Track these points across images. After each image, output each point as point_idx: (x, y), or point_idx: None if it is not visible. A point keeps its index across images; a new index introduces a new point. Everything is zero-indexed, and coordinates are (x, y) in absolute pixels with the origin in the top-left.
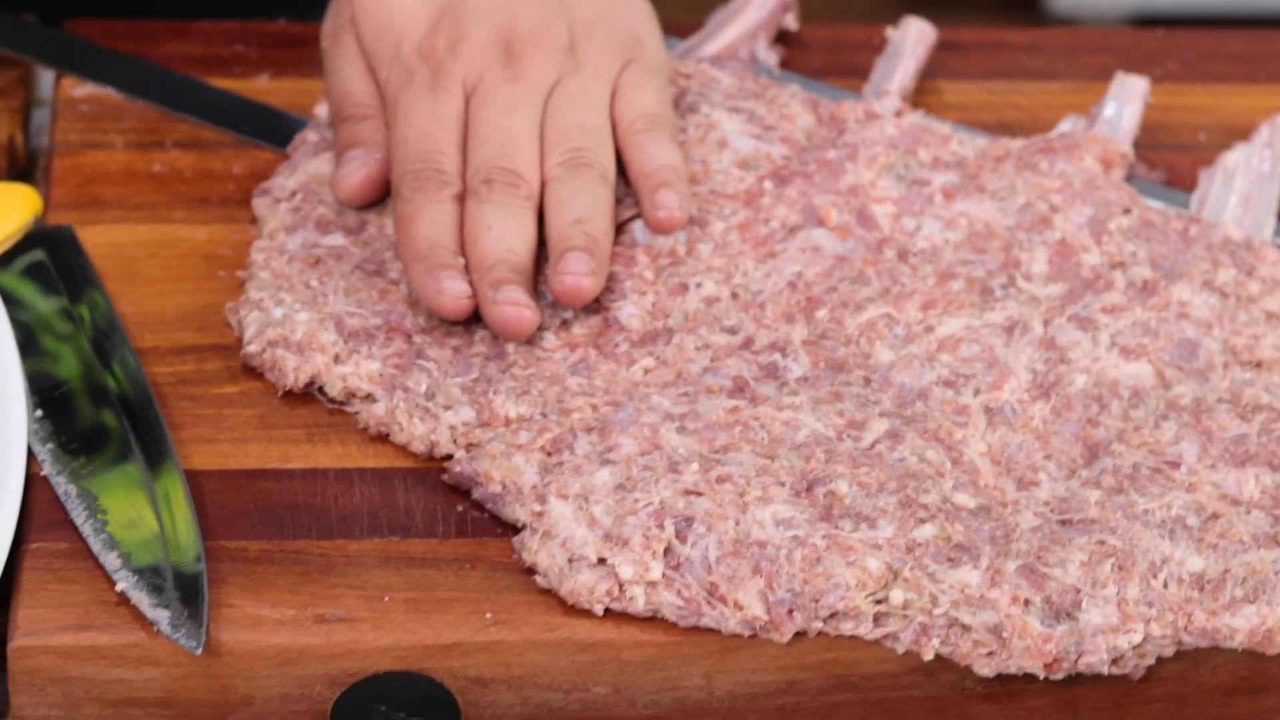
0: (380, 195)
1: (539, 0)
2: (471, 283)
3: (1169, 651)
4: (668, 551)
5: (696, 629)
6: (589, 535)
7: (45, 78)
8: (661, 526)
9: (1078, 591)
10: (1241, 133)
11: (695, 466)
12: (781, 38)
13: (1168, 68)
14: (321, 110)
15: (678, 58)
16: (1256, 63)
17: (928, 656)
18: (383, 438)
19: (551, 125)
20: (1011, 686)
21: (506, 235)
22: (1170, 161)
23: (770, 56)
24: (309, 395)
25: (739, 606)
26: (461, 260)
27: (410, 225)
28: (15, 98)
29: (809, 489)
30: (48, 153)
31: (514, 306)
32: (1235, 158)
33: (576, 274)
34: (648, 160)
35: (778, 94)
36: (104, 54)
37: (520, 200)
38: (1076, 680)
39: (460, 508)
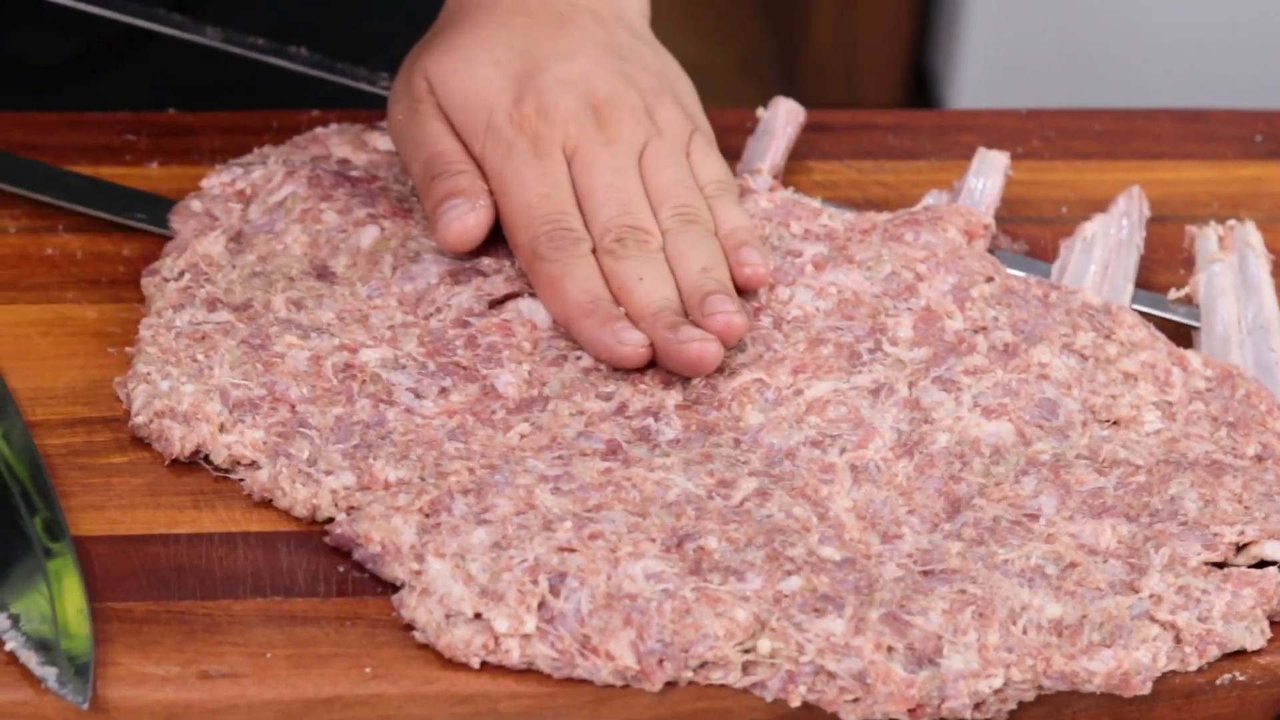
0: (480, 242)
1: (609, 70)
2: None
3: (1030, 696)
4: (542, 605)
5: (571, 680)
6: (465, 591)
7: None
8: (536, 581)
9: (939, 638)
10: (1102, 206)
11: (569, 524)
12: None
13: (1030, 145)
14: (208, 182)
15: None
16: (1117, 140)
17: (795, 704)
18: (266, 503)
19: (653, 183)
20: None
21: (659, 284)
22: (1032, 234)
23: None
24: (195, 464)
25: (611, 657)
26: (623, 310)
27: (564, 282)
28: None
29: (679, 545)
30: None
31: (700, 342)
32: (1094, 227)
33: (727, 312)
34: (724, 223)
35: None
36: None
37: (655, 253)
38: None
39: (341, 568)
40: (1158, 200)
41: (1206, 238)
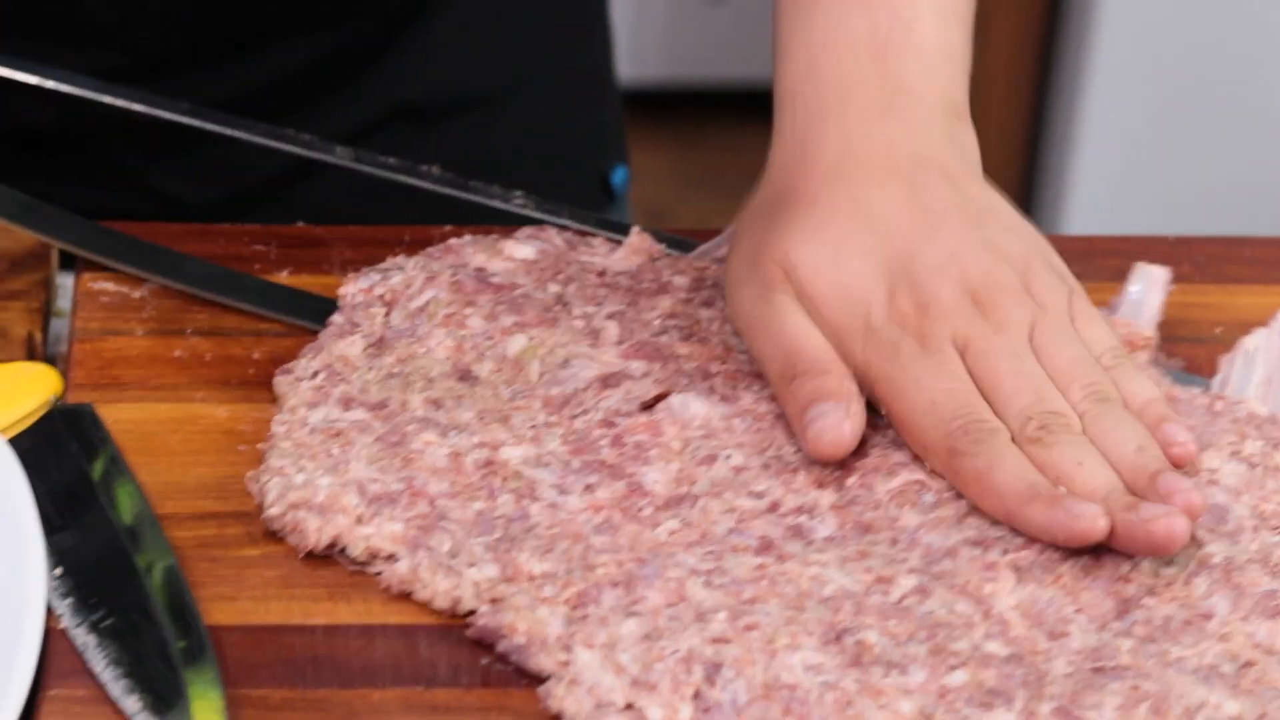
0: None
1: (976, 246)
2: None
3: None
4: (697, 696)
5: None
6: (616, 681)
7: (65, 289)
8: (690, 671)
9: None
10: (1259, 327)
11: (723, 616)
12: None
13: (1181, 270)
14: (346, 289)
15: (694, 258)
16: (1271, 266)
17: None
18: (405, 596)
19: (1052, 364)
20: None
21: (1099, 467)
22: (1188, 353)
23: None
24: (330, 558)
25: None
26: (1064, 490)
27: (995, 473)
28: (35, 299)
29: (838, 638)
30: (67, 342)
31: (1167, 518)
32: (1255, 341)
33: (1184, 490)
34: (1133, 396)
35: None
36: (133, 243)
37: (1082, 436)
38: None
39: (484, 660)
40: None
41: None
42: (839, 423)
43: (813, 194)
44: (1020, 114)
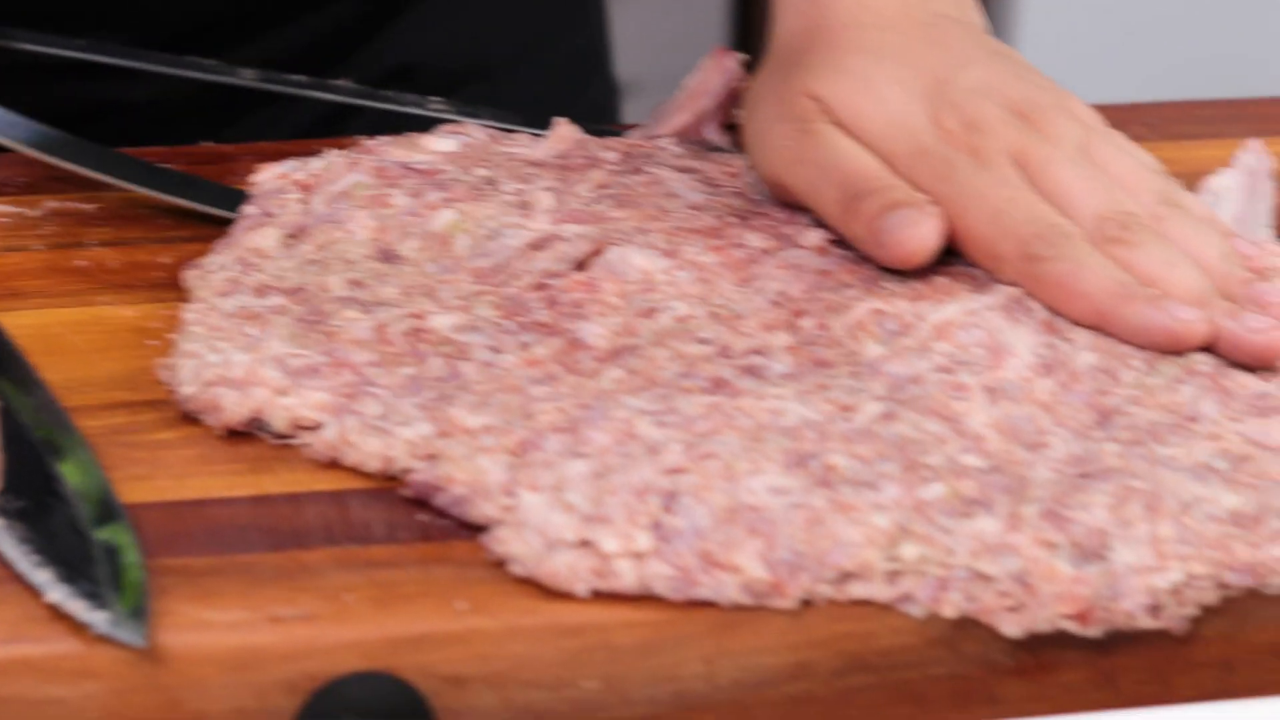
0: (939, 256)
1: (1008, 74)
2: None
3: (1211, 597)
4: (655, 525)
5: (692, 604)
6: (566, 520)
7: None
8: (645, 502)
9: (1105, 533)
10: None
11: (677, 448)
12: (733, 129)
13: (1134, 131)
14: (260, 176)
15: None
16: (1225, 123)
17: (948, 613)
18: (333, 465)
19: (1115, 174)
20: (1043, 657)
21: (1192, 269)
22: None
23: (723, 140)
24: (251, 435)
25: (737, 569)
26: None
27: (1082, 273)
28: None
29: (802, 463)
30: None
31: (1275, 330)
32: (1222, 181)
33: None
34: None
35: (727, 158)
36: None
37: (1165, 239)
38: (1114, 647)
39: (422, 517)
40: None
41: None
42: (918, 221)
43: (833, 38)
44: None
